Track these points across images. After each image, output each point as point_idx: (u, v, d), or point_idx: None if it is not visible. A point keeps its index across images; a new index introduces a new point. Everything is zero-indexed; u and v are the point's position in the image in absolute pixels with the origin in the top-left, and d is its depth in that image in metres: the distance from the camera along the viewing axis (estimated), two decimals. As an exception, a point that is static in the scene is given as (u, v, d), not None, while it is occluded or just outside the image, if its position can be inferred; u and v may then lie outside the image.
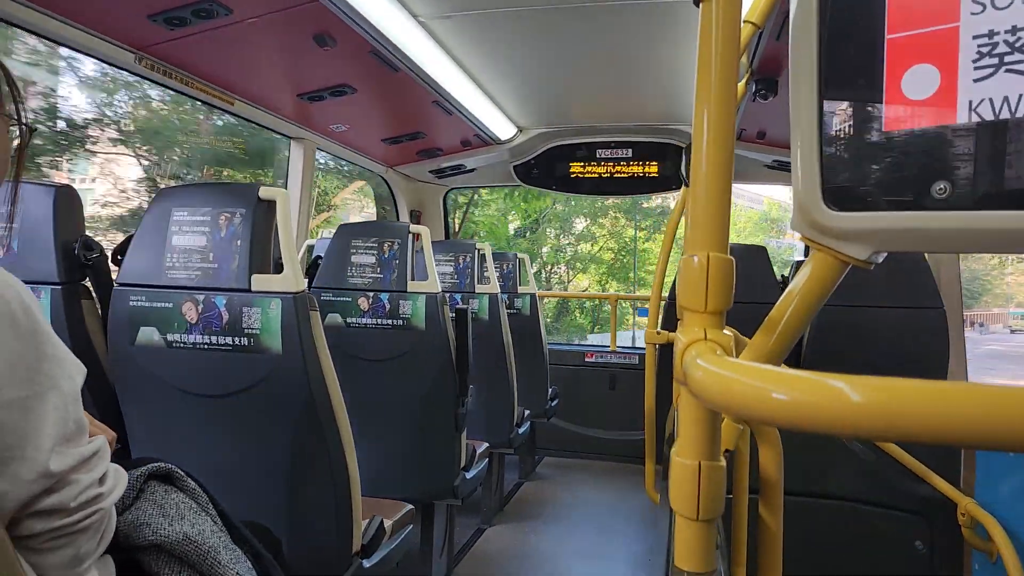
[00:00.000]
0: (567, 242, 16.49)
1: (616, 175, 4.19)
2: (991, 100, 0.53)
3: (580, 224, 16.59)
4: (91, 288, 1.63)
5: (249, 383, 1.52)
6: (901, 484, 2.20)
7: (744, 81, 2.48)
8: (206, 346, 1.52)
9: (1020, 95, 0.52)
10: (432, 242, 3.06)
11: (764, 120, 3.22)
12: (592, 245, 16.39)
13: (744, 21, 1.62)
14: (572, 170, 4.24)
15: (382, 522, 1.74)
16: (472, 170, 4.36)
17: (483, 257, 3.44)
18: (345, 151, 3.59)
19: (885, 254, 0.62)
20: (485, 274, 3.43)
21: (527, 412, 3.65)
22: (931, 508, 2.16)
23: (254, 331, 1.49)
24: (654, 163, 4.11)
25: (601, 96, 3.48)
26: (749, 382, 0.46)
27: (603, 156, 4.20)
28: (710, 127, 0.66)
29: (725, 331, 0.67)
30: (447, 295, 2.95)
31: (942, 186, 0.56)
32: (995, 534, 1.87)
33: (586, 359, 4.68)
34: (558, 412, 4.28)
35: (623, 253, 16.49)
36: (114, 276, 1.62)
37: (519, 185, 4.42)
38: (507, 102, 3.53)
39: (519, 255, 4.23)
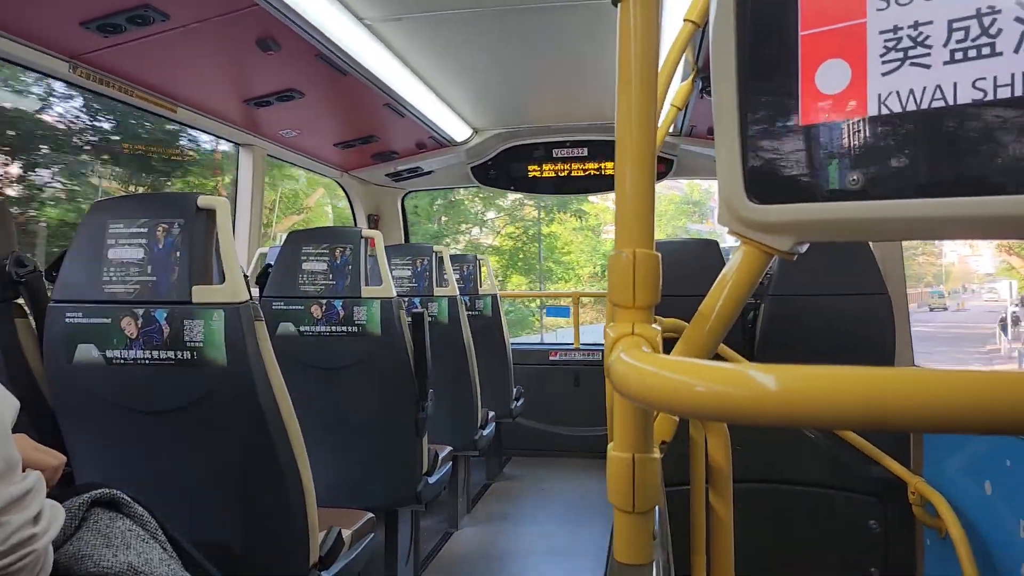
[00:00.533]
0: (462, 227, 14.75)
1: (573, 174, 4.22)
2: (898, 93, 0.54)
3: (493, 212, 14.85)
4: (25, 306, 1.57)
5: (194, 397, 1.49)
6: (854, 466, 2.25)
7: (691, 79, 2.51)
8: (148, 361, 1.48)
9: (924, 88, 0.53)
10: (390, 246, 3.04)
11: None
12: (490, 232, 14.59)
13: (684, 20, 1.63)
14: (530, 170, 4.26)
15: (340, 532, 1.72)
16: (429, 172, 4.35)
17: (441, 260, 3.43)
18: (297, 157, 3.54)
19: (807, 245, 0.63)
20: (444, 277, 3.41)
21: (491, 413, 3.65)
22: (883, 488, 2.23)
23: (197, 344, 1.45)
24: (610, 161, 4.14)
25: (555, 96, 3.50)
26: (666, 375, 0.46)
27: (559, 155, 4.22)
28: (631, 127, 0.67)
29: (657, 326, 0.68)
30: (405, 299, 2.93)
31: (855, 177, 0.57)
32: (943, 511, 1.93)
33: (550, 357, 4.69)
34: (523, 412, 4.29)
35: (526, 241, 15.19)
36: (50, 293, 1.56)
37: (477, 186, 4.42)
38: (461, 104, 3.52)
39: (479, 257, 4.22)
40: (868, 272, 2.30)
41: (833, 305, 2.30)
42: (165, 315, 1.46)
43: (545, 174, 4.25)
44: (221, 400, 1.47)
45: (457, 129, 3.82)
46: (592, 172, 4.19)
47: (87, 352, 1.50)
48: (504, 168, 4.27)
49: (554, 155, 4.22)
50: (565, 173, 4.23)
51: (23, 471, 0.85)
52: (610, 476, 0.68)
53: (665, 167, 4.08)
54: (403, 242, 4.67)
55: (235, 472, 1.53)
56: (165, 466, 1.57)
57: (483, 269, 4.22)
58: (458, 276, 3.95)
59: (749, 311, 2.43)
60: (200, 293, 1.45)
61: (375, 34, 2.47)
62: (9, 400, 0.84)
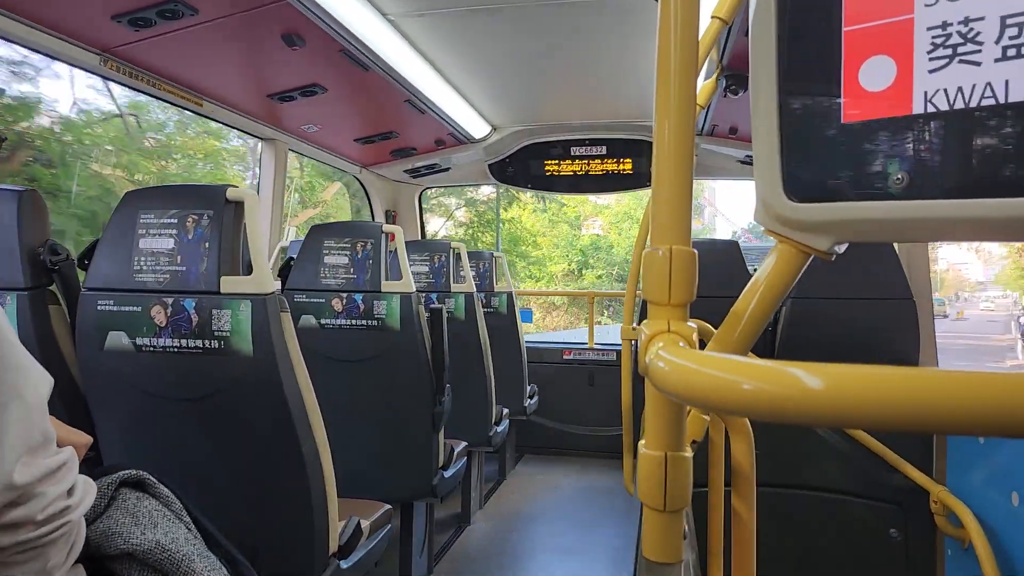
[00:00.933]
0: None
1: (591, 172, 4.21)
2: (945, 91, 0.54)
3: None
4: (58, 293, 1.60)
5: (220, 386, 1.50)
6: (876, 474, 2.23)
7: (715, 77, 2.49)
8: (176, 349, 1.50)
9: (973, 85, 0.52)
10: (407, 242, 3.04)
11: (736, 116, 3.24)
12: (439, 212, 13.52)
13: (712, 17, 1.62)
14: (547, 168, 4.25)
15: (359, 523, 1.73)
16: (447, 169, 4.36)
17: (458, 256, 3.44)
18: (317, 152, 3.56)
19: (846, 244, 0.62)
20: (461, 273, 3.42)
21: (506, 410, 3.65)
22: (905, 497, 2.19)
23: (224, 333, 1.47)
24: (628, 160, 4.13)
25: (575, 94, 3.49)
26: (709, 372, 0.46)
27: (577, 154, 4.21)
28: (670, 123, 0.67)
29: (691, 323, 0.68)
30: (422, 295, 2.95)
31: (899, 176, 0.56)
32: (966, 521, 1.89)
33: (564, 356, 4.69)
34: (537, 410, 4.29)
35: (479, 227, 14.28)
36: (82, 281, 1.59)
37: (494, 183, 4.42)
38: (481, 101, 3.53)
39: (495, 254, 4.23)
40: (893, 276, 2.27)
41: (857, 309, 2.28)
42: (194, 304, 1.48)
43: (563, 172, 4.24)
44: (247, 389, 1.49)
45: (476, 126, 3.82)
46: (610, 171, 4.18)
47: (117, 339, 1.52)
48: (522, 165, 4.27)
49: (572, 153, 4.21)
50: (583, 171, 4.22)
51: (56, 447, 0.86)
52: (641, 474, 0.68)
53: None
54: (420, 238, 4.68)
55: (259, 460, 1.55)
56: (190, 452, 1.60)
57: (499, 266, 4.23)
58: (474, 273, 3.96)
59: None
60: (228, 283, 1.47)
61: (398, 30, 2.48)
62: (45, 376, 0.86)
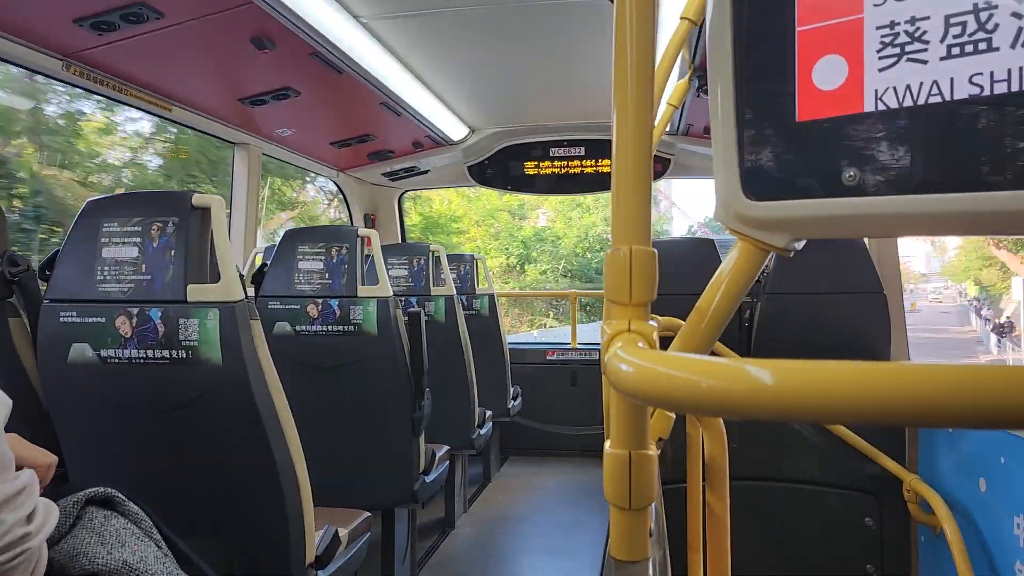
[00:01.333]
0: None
1: (570, 173, 4.22)
2: (895, 88, 0.54)
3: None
4: (19, 305, 1.56)
5: (189, 397, 1.48)
6: (851, 464, 2.26)
7: (687, 77, 2.50)
8: (142, 360, 1.47)
9: (921, 83, 0.53)
10: (388, 245, 3.03)
11: (709, 115, 3.26)
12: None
13: (681, 18, 1.63)
14: (527, 169, 4.25)
15: (336, 531, 1.72)
16: (426, 171, 4.34)
17: (438, 259, 3.43)
18: (293, 155, 3.54)
19: (804, 241, 0.63)
20: (441, 276, 3.41)
21: (488, 413, 3.65)
22: (879, 486, 2.23)
23: (192, 343, 1.44)
24: (607, 160, 4.14)
25: (552, 95, 3.49)
26: (663, 370, 0.46)
27: (556, 155, 4.21)
28: (628, 124, 0.67)
29: (653, 321, 0.68)
30: (401, 298, 2.93)
31: (852, 173, 0.56)
32: (937, 508, 1.93)
33: (547, 357, 4.69)
34: (521, 411, 4.28)
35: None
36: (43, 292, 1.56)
37: (474, 185, 4.42)
38: (458, 102, 3.52)
39: (476, 256, 4.22)
40: (864, 270, 2.30)
41: (829, 303, 2.30)
42: (160, 314, 1.45)
43: (543, 173, 4.24)
44: (216, 399, 1.47)
45: (454, 128, 3.81)
46: (589, 171, 4.19)
47: (82, 351, 1.49)
48: (501, 167, 4.27)
49: (551, 154, 4.21)
50: (563, 172, 4.22)
51: (16, 470, 0.84)
52: (607, 473, 0.68)
53: (662, 166, 4.08)
54: (400, 241, 4.66)
55: (231, 471, 1.53)
56: (160, 465, 1.57)
57: (480, 268, 4.22)
58: (455, 275, 3.95)
59: (745, 309, 2.43)
60: (195, 292, 1.45)
61: (371, 32, 2.47)
62: (2, 399, 0.83)
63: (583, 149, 4.17)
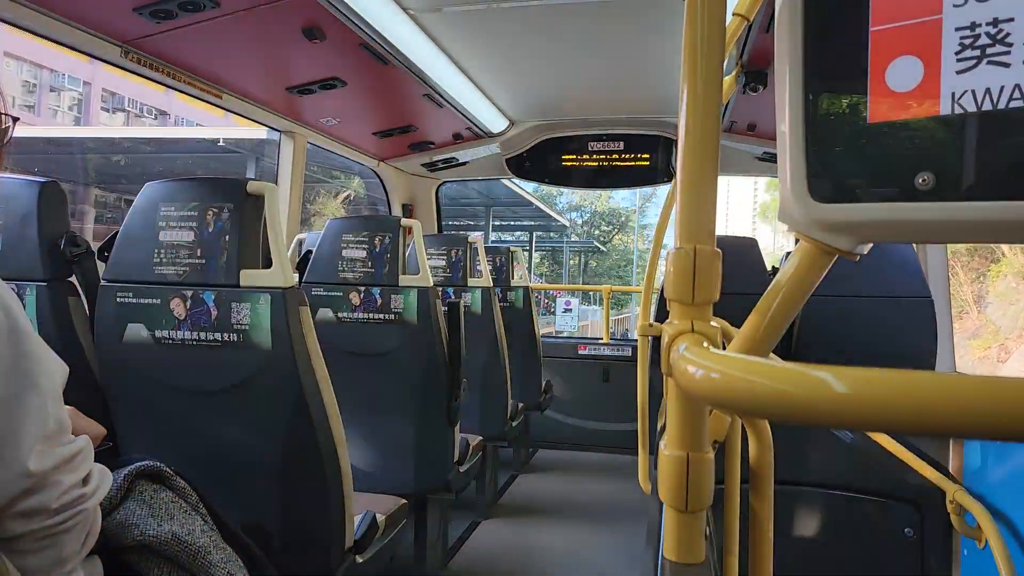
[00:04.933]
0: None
1: (608, 167, 4.19)
2: (973, 92, 0.53)
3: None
4: (77, 285, 1.61)
5: (239, 379, 1.52)
6: (891, 473, 2.21)
7: (734, 74, 2.48)
8: (195, 342, 1.51)
9: (1002, 87, 0.52)
10: (424, 236, 3.05)
11: (754, 112, 3.22)
12: None
13: (733, 14, 1.61)
14: (564, 163, 4.23)
15: (375, 517, 1.74)
16: (464, 163, 4.35)
17: (475, 250, 3.44)
18: (336, 145, 3.58)
19: (871, 245, 0.62)
20: (478, 267, 3.43)
21: (521, 405, 3.65)
22: (921, 496, 2.18)
23: (243, 327, 1.48)
24: (646, 155, 4.11)
25: (593, 89, 3.47)
26: (734, 373, 0.46)
27: (595, 148, 4.19)
28: (696, 120, 0.66)
29: (713, 323, 0.68)
30: (439, 289, 2.95)
31: (925, 177, 0.56)
32: (983, 521, 1.88)
33: (579, 351, 4.68)
34: (552, 404, 4.29)
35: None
36: (101, 272, 1.60)
37: (511, 177, 4.42)
38: (499, 95, 3.52)
39: (511, 248, 4.23)
40: (911, 275, 2.25)
41: (874, 307, 2.26)
42: (213, 297, 1.49)
43: (580, 166, 4.22)
44: (265, 383, 1.50)
45: (494, 120, 3.82)
46: (628, 166, 4.15)
47: (137, 331, 1.53)
48: (539, 160, 4.25)
49: (590, 148, 4.18)
50: (600, 167, 4.20)
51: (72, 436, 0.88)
52: (663, 474, 0.68)
53: None
54: (437, 232, 4.69)
55: (276, 455, 1.56)
56: (208, 446, 1.61)
57: (516, 260, 4.23)
58: (491, 267, 3.96)
59: None
60: (248, 277, 1.48)
61: (417, 24, 2.48)
62: (61, 365, 0.87)
63: (622, 144, 4.14)
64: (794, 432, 2.22)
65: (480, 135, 3.94)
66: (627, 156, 4.14)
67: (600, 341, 4.72)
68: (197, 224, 1.49)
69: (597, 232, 29.58)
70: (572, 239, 27.48)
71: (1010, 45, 0.52)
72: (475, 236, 3.45)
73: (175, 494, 1.13)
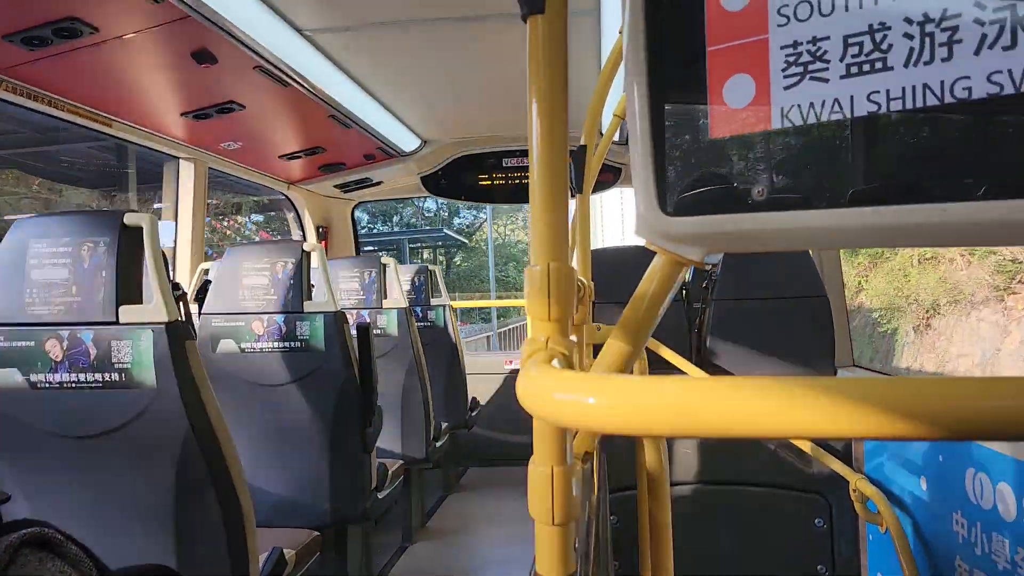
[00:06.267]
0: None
1: (524, 183, 4.22)
2: (799, 106, 0.55)
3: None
4: None
5: (124, 420, 1.45)
6: (801, 466, 2.30)
7: None
8: (74, 385, 1.44)
9: (823, 101, 0.54)
10: (339, 258, 3.00)
11: None
12: None
13: (620, 32, 1.65)
14: (480, 180, 4.25)
15: (282, 552, 1.69)
16: (378, 183, 4.31)
17: (390, 271, 3.41)
18: (241, 169, 3.48)
19: (720, 254, 0.64)
20: (393, 289, 3.39)
21: (445, 425, 3.62)
22: (829, 487, 2.27)
23: (125, 365, 1.41)
24: None
25: (503, 106, 3.50)
26: (558, 390, 0.47)
27: (510, 165, 4.22)
28: (543, 136, 0.67)
29: (573, 338, 0.68)
30: (353, 311, 2.90)
31: (760, 189, 0.58)
32: (881, 507, 1.98)
33: (505, 366, 4.69)
34: (481, 421, 4.27)
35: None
36: None
37: (428, 196, 4.41)
38: (408, 115, 3.51)
39: (430, 267, 4.21)
40: (807, 275, 2.35)
41: (775, 308, 2.35)
42: (92, 336, 1.42)
43: (496, 183, 4.24)
44: (152, 422, 1.44)
45: (405, 139, 3.79)
46: None
47: (10, 376, 1.45)
48: (455, 178, 4.25)
49: (504, 164, 4.22)
50: (517, 182, 4.23)
51: None
52: (530, 489, 0.68)
53: (613, 176, 4.11)
54: (355, 254, 4.62)
55: (169, 496, 1.49)
56: (96, 494, 1.53)
57: (434, 280, 4.21)
58: (409, 287, 3.93)
59: (695, 317, 2.46)
60: (128, 313, 1.42)
61: (315, 45, 2.44)
62: None
63: None
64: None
65: (392, 154, 3.91)
66: None
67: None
68: (72, 260, 1.42)
69: (458, 221, 23.26)
70: (423, 228, 21.95)
71: (828, 62, 0.54)
72: (389, 259, 3.41)
73: (65, 562, 1.05)
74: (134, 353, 1.41)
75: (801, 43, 0.56)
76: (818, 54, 0.55)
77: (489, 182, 4.23)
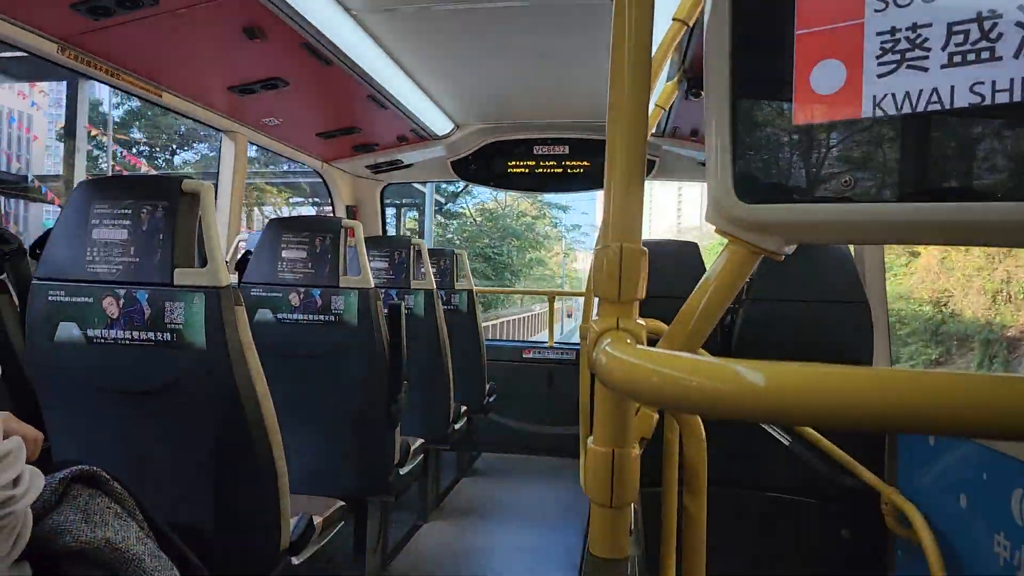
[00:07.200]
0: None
1: (553, 171, 4.21)
2: (894, 95, 0.54)
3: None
4: (8, 283, 1.55)
5: (172, 379, 1.48)
6: (828, 475, 2.26)
7: (676, 79, 2.52)
8: (128, 341, 1.47)
9: (920, 91, 0.53)
10: (368, 238, 3.02)
11: (696, 118, 3.28)
12: None
13: (672, 19, 1.64)
14: (510, 167, 4.24)
15: (311, 519, 1.72)
16: (409, 165, 4.32)
17: (419, 253, 3.42)
18: (279, 145, 3.51)
19: (795, 245, 0.63)
20: (421, 270, 3.41)
21: (464, 408, 3.64)
22: (856, 497, 2.23)
23: (177, 326, 1.45)
24: (590, 160, 4.15)
25: (538, 93, 3.50)
26: (653, 367, 0.47)
27: (540, 153, 4.20)
28: (623, 124, 0.67)
29: (641, 321, 0.68)
30: (381, 291, 2.92)
31: (847, 179, 0.57)
32: (916, 522, 1.92)
33: (524, 355, 4.69)
34: (496, 408, 4.29)
35: None
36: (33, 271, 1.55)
37: (456, 180, 4.41)
38: (444, 98, 3.51)
39: (456, 251, 4.22)
40: (848, 280, 2.32)
41: (812, 312, 2.32)
42: (147, 296, 1.45)
43: (526, 171, 4.23)
44: (198, 382, 1.47)
45: (439, 123, 3.80)
46: (573, 170, 4.19)
47: (68, 330, 1.49)
48: (485, 163, 4.25)
49: (535, 152, 4.20)
50: (546, 170, 4.22)
51: (3, 437, 0.85)
52: (589, 469, 0.69)
53: (647, 168, 4.08)
54: (381, 234, 4.64)
55: (209, 455, 1.53)
56: (142, 446, 1.57)
57: (460, 264, 4.22)
58: (435, 270, 3.94)
59: (727, 315, 2.44)
60: (182, 276, 1.45)
61: (361, 25, 2.46)
62: None
63: (567, 148, 4.17)
64: (733, 435, 2.26)
65: (425, 137, 3.92)
66: (572, 160, 4.17)
67: (545, 345, 4.75)
68: (131, 222, 1.45)
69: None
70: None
71: (928, 50, 0.53)
72: (418, 240, 3.43)
73: (111, 499, 1.10)
74: (186, 315, 1.44)
75: (900, 29, 0.54)
76: (918, 42, 0.53)
77: (519, 169, 4.23)
